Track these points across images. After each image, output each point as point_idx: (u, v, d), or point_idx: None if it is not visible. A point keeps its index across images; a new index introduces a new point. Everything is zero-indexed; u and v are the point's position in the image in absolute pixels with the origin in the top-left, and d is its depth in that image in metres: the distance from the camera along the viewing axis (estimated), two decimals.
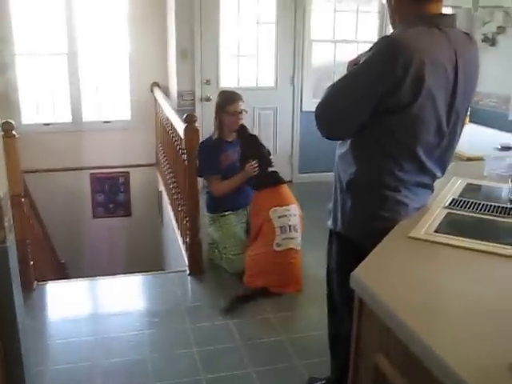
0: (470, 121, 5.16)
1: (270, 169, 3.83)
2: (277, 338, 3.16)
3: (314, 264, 3.77)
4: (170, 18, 5.80)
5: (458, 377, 1.14)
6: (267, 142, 5.56)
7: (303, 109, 6.04)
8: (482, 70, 6.27)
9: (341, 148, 2.05)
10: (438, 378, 1.20)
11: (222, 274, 3.92)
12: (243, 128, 3.92)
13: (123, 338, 3.18)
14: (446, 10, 5.79)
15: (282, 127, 6.08)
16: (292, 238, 3.63)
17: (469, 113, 5.05)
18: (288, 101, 6.06)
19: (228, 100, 3.96)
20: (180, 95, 5.75)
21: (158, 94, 5.81)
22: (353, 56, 2.16)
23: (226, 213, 4.01)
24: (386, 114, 1.85)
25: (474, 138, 4.55)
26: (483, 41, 5.96)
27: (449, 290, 1.54)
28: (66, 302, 3.69)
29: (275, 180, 3.79)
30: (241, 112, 3.95)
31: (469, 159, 3.76)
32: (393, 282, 1.57)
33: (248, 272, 3.69)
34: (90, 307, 3.67)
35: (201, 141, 3.99)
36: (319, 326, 2.99)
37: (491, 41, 5.87)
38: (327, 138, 2.01)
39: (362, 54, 2.08)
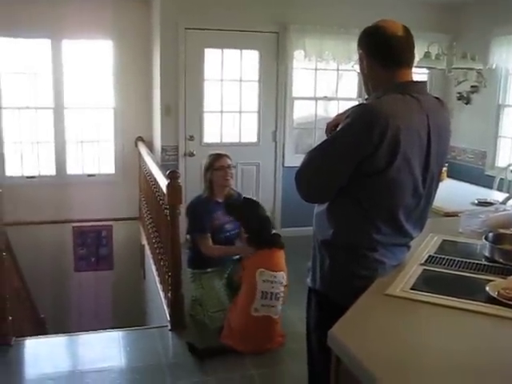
0: (448, 176, 5.28)
1: (273, 231, 3.82)
2: None
3: (296, 319, 3.75)
4: (155, 74, 5.95)
5: None
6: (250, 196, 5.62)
7: (285, 164, 6.16)
8: (458, 126, 6.48)
9: (318, 206, 2.11)
10: None
11: (204, 329, 3.89)
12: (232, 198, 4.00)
13: None
14: (422, 71, 6.03)
15: (264, 182, 6.18)
16: (272, 306, 3.56)
17: (446, 168, 5.20)
18: (270, 156, 6.19)
19: (215, 158, 4.04)
20: (164, 150, 5.83)
21: (142, 148, 5.89)
22: (331, 118, 2.23)
23: (209, 269, 4.01)
24: (364, 177, 1.91)
25: (451, 193, 4.65)
26: (458, 99, 6.19)
27: (424, 348, 1.57)
28: (45, 359, 3.62)
29: (272, 242, 3.71)
30: (228, 167, 4.02)
31: (446, 214, 3.84)
32: (369, 340, 1.60)
33: (225, 332, 3.64)
34: (69, 364, 3.61)
35: (191, 200, 4.07)
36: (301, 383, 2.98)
37: (466, 99, 6.10)
38: (306, 201, 2.06)
39: (340, 114, 2.15)
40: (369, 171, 1.90)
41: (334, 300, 2.00)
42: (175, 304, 3.87)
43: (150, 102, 6.28)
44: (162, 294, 4.37)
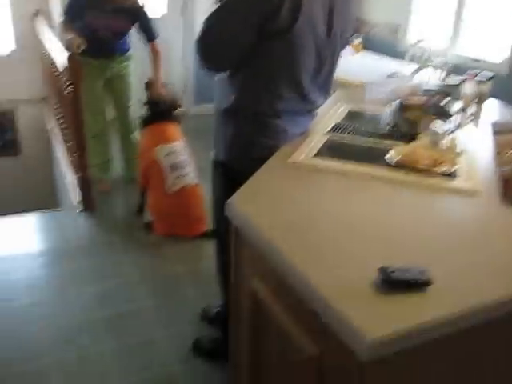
0: (364, 48, 5.22)
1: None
2: (172, 270, 3.18)
3: (207, 197, 3.74)
4: None
5: (317, 294, 1.17)
6: None
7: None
8: None
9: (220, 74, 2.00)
10: (303, 297, 1.24)
11: (115, 209, 3.84)
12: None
13: (12, 282, 3.06)
14: None
15: (173, 59, 5.87)
16: (185, 175, 3.47)
17: (361, 40, 5.14)
18: (178, 31, 5.85)
19: None
20: None
21: (41, 22, 5.42)
22: None
23: (88, 59, 3.71)
24: (267, 41, 1.81)
25: (365, 65, 4.60)
26: None
27: (323, 212, 1.56)
28: None
29: (160, 117, 3.61)
30: None
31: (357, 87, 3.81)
32: (267, 208, 1.57)
33: (153, 219, 3.58)
34: None
35: None
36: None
37: None
38: (209, 70, 1.95)
39: None
40: (271, 34, 1.79)
41: (237, 170, 1.96)
42: (83, 184, 3.76)
43: None
44: (70, 177, 4.22)
